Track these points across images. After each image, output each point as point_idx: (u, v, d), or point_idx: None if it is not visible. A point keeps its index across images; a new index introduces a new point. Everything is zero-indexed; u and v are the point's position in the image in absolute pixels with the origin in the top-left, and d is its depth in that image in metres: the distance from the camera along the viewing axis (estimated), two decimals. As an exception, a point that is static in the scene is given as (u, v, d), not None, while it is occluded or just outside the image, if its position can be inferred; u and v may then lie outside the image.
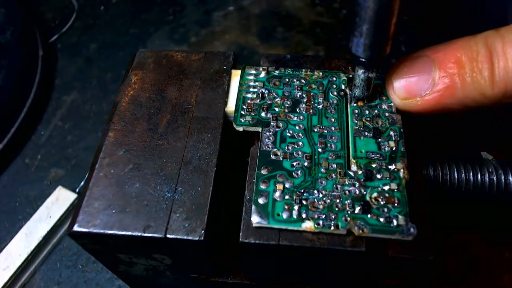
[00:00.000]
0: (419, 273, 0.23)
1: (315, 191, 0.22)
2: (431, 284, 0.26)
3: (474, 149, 0.27)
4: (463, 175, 0.24)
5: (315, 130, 0.24)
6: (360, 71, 0.23)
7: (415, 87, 0.22)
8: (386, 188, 0.22)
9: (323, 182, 0.22)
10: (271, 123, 0.24)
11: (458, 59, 0.21)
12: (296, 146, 0.23)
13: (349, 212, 0.21)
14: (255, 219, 0.21)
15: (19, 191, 0.41)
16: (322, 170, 0.22)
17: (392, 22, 0.21)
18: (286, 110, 0.25)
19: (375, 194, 0.21)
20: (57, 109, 0.47)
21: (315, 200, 0.21)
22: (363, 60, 0.22)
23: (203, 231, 0.21)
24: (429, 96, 0.22)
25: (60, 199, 0.38)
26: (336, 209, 0.21)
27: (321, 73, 0.26)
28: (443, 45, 0.22)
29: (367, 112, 0.24)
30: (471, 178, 0.24)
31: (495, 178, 0.24)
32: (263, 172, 0.22)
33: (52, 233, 0.37)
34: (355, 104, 0.25)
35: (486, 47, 0.21)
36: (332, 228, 0.20)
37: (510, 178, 0.24)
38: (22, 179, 0.42)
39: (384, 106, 0.25)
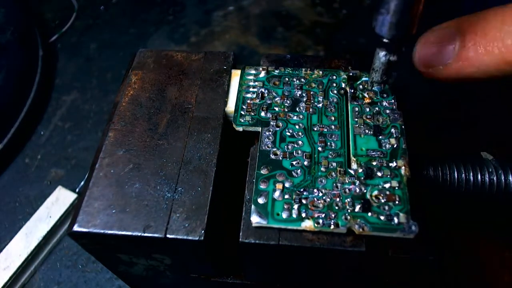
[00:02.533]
0: (419, 273, 0.23)
1: (315, 190, 0.22)
2: (431, 284, 0.26)
3: (474, 149, 0.27)
4: (463, 175, 0.24)
5: (315, 129, 0.24)
6: (382, 53, 0.22)
7: (438, 55, 0.23)
8: (387, 186, 0.22)
9: (323, 181, 0.22)
10: (271, 122, 0.24)
11: (482, 29, 0.21)
12: (295, 145, 0.23)
13: (349, 210, 0.21)
14: (254, 219, 0.21)
15: (19, 191, 0.41)
16: (322, 168, 0.22)
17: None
18: (286, 110, 0.25)
19: (375, 192, 0.21)
20: (57, 109, 0.47)
21: (315, 199, 0.21)
22: (387, 41, 0.21)
23: (203, 231, 0.21)
24: (451, 65, 0.22)
25: (60, 199, 0.38)
26: (336, 207, 0.21)
27: (321, 72, 0.26)
28: (469, 16, 0.22)
29: (367, 109, 0.24)
30: (471, 178, 0.24)
31: (495, 178, 0.24)
32: (263, 171, 0.22)
33: (52, 233, 0.37)
34: (371, 87, 0.24)
35: None
36: (332, 226, 0.20)
37: (510, 178, 0.24)
38: (22, 179, 0.42)
39: (384, 103, 0.25)
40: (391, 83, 0.24)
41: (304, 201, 0.21)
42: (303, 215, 0.21)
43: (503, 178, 0.24)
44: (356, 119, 0.24)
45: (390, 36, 0.21)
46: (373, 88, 0.25)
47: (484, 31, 0.21)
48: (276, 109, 0.25)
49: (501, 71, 0.21)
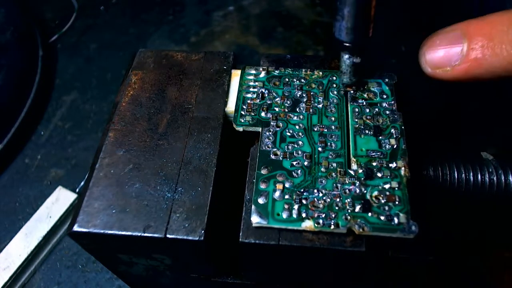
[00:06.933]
0: (419, 273, 0.23)
1: (315, 190, 0.22)
2: (431, 284, 0.26)
3: (474, 149, 0.27)
4: (463, 175, 0.24)
5: (315, 129, 0.24)
6: (346, 57, 0.24)
7: (445, 57, 0.23)
8: (387, 186, 0.22)
9: (323, 181, 0.22)
10: (271, 122, 0.24)
11: (488, 31, 0.22)
12: (296, 146, 0.23)
13: (349, 210, 0.21)
14: (255, 219, 0.21)
15: (19, 191, 0.41)
16: (322, 169, 0.22)
17: (372, 4, 0.21)
18: (286, 110, 0.25)
19: (375, 193, 0.21)
20: (57, 109, 0.47)
21: (315, 199, 0.21)
22: (347, 45, 0.23)
23: (203, 231, 0.21)
24: (458, 66, 0.23)
25: (60, 199, 0.38)
26: (336, 208, 0.21)
27: (321, 73, 0.26)
28: (475, 19, 0.23)
29: (367, 110, 0.24)
30: (471, 178, 0.24)
31: (495, 178, 0.24)
32: (263, 172, 0.22)
33: (52, 233, 0.37)
34: (342, 91, 0.25)
35: None
36: (332, 227, 0.20)
37: (510, 178, 0.24)
38: (22, 179, 0.42)
39: (384, 104, 0.25)
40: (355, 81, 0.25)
41: (304, 202, 0.21)
42: (303, 215, 0.21)
43: (503, 178, 0.24)
44: (356, 120, 0.24)
45: (349, 40, 0.22)
46: (372, 89, 0.25)
47: (490, 33, 0.22)
48: (276, 109, 0.25)
49: (508, 72, 0.22)
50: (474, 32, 0.22)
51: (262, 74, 0.27)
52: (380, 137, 0.23)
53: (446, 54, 0.23)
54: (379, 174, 0.22)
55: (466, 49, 0.22)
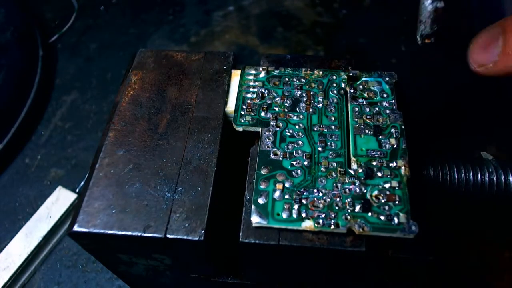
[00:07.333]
0: (419, 273, 0.23)
1: (315, 190, 0.22)
2: (431, 284, 0.26)
3: (474, 149, 0.27)
4: (463, 175, 0.24)
5: (315, 129, 0.24)
6: (428, 2, 0.23)
7: (486, 54, 0.24)
8: (387, 186, 0.22)
9: (323, 181, 0.22)
10: (271, 122, 0.24)
11: None
12: (296, 146, 0.23)
13: (349, 210, 0.21)
14: (255, 219, 0.21)
15: (19, 191, 0.41)
16: (322, 169, 0.22)
17: None
18: (286, 110, 0.25)
19: (375, 192, 0.21)
20: (57, 109, 0.47)
21: (315, 199, 0.21)
22: None
23: (203, 231, 0.21)
24: (498, 62, 0.23)
25: (60, 199, 0.38)
26: (336, 207, 0.21)
27: (321, 72, 0.26)
28: None
29: (367, 109, 0.24)
30: (471, 178, 0.24)
31: (495, 178, 0.24)
32: (263, 172, 0.22)
33: (52, 233, 0.37)
34: (421, 42, 0.24)
35: None
36: (332, 227, 0.20)
37: (510, 178, 0.24)
38: (22, 179, 0.42)
39: (384, 103, 0.25)
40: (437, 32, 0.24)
41: (304, 201, 0.21)
42: (303, 215, 0.21)
43: (503, 178, 0.24)
44: (356, 119, 0.24)
45: None
46: (373, 88, 0.25)
47: None
48: (276, 109, 0.25)
49: None
50: (509, 27, 0.23)
51: (262, 74, 0.27)
52: (380, 137, 0.23)
53: (487, 51, 0.24)
54: (379, 174, 0.22)
55: (502, 44, 0.23)
